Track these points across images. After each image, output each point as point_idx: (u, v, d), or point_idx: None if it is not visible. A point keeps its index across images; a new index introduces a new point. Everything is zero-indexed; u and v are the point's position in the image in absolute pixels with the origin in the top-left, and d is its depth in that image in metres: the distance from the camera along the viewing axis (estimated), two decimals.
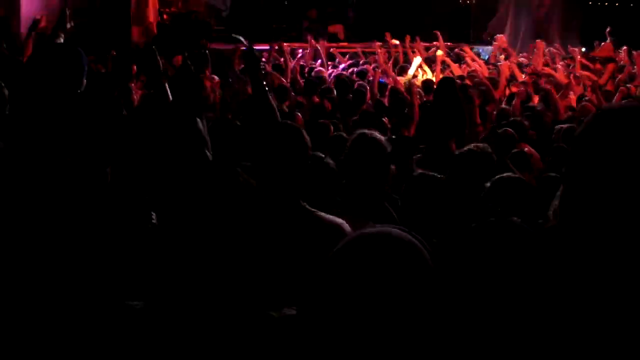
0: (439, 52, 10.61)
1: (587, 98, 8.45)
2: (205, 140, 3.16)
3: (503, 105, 7.74)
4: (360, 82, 8.37)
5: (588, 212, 1.57)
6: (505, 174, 3.47)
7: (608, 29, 12.44)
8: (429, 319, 1.40)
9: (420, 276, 1.40)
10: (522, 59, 12.60)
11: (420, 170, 3.72)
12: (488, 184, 3.37)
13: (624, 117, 1.59)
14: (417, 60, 10.33)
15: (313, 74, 9.69)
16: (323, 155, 3.55)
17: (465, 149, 4.03)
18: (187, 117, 3.11)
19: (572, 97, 8.89)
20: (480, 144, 4.27)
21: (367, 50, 12.06)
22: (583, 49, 13.63)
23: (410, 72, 9.93)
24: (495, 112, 7.35)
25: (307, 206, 2.81)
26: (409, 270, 1.39)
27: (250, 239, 1.99)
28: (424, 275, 1.41)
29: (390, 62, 10.57)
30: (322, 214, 2.79)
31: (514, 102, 7.69)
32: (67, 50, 3.34)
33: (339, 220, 2.74)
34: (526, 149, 5.44)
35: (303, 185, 2.90)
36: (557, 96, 8.24)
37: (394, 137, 5.10)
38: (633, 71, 10.72)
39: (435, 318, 1.42)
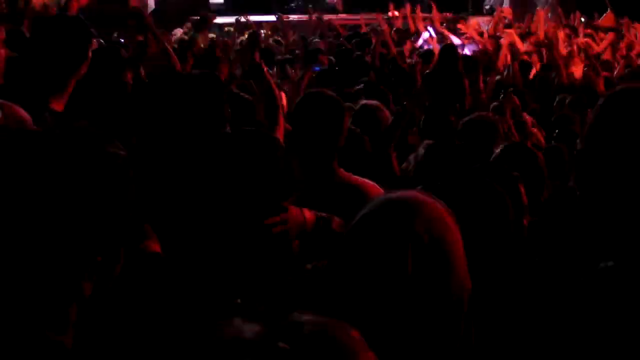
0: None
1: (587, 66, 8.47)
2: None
3: (498, 77, 7.75)
4: (358, 53, 8.39)
5: (606, 192, 1.56)
6: (512, 142, 3.52)
7: None
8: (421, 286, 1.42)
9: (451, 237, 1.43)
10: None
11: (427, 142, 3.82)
12: (497, 151, 3.42)
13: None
14: (425, 34, 10.37)
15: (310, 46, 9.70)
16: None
17: (469, 117, 4.08)
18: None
19: (575, 68, 8.89)
20: (484, 113, 4.34)
21: (369, 21, 12.01)
22: (582, 19, 13.60)
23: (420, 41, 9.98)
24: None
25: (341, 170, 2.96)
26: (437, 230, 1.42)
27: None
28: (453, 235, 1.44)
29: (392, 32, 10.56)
30: (355, 176, 2.95)
31: (514, 71, 7.70)
32: (69, 21, 3.36)
33: (370, 182, 2.89)
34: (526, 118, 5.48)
35: (337, 150, 3.01)
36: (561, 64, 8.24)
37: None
38: (634, 41, 10.70)
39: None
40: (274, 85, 3.80)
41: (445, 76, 5.37)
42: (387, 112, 4.10)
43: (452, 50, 5.79)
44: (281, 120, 3.61)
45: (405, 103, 4.09)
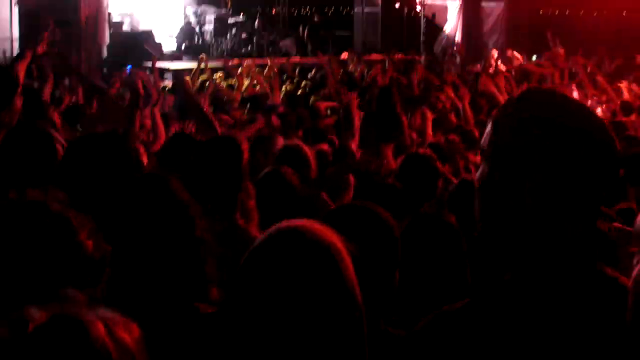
0: None
1: None
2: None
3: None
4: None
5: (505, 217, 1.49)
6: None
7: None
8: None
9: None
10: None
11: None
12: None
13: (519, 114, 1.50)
14: None
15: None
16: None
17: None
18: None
19: None
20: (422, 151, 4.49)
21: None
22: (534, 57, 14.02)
23: None
24: None
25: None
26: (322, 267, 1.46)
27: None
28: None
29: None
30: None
31: (464, 110, 7.87)
32: None
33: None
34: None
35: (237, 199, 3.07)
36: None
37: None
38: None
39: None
40: None
41: (383, 115, 5.53)
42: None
43: (390, 91, 5.95)
44: None
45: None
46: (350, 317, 1.47)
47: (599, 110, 9.00)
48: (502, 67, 11.54)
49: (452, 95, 8.63)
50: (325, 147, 5.22)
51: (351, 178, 4.06)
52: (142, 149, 4.27)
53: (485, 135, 1.55)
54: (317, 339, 1.44)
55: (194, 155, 3.32)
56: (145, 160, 4.26)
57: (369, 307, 1.52)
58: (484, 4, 18.35)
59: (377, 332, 1.88)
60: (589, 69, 11.11)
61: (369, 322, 1.52)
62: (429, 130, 6.86)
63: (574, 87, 10.18)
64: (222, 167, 3.10)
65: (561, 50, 12.32)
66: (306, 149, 3.89)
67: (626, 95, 9.96)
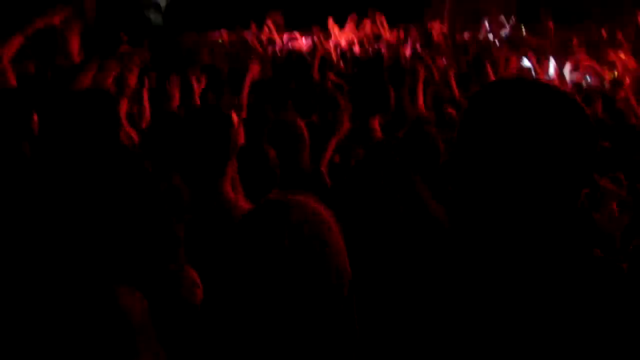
0: None
1: None
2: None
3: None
4: None
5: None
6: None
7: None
8: None
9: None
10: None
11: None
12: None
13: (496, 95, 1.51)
14: None
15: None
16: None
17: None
18: None
19: None
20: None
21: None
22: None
23: None
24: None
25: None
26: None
27: None
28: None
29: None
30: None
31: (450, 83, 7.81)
32: None
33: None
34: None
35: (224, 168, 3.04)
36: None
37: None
38: None
39: None
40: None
41: (370, 86, 5.49)
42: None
43: (379, 61, 5.90)
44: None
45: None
46: (337, 295, 1.47)
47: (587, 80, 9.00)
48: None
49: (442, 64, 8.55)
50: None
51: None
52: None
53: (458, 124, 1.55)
54: (302, 315, 1.43)
55: (183, 124, 3.31)
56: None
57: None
58: None
59: None
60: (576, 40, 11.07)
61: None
62: (421, 102, 6.83)
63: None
64: (210, 136, 3.07)
65: (550, 23, 12.30)
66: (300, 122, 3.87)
67: (619, 68, 9.92)
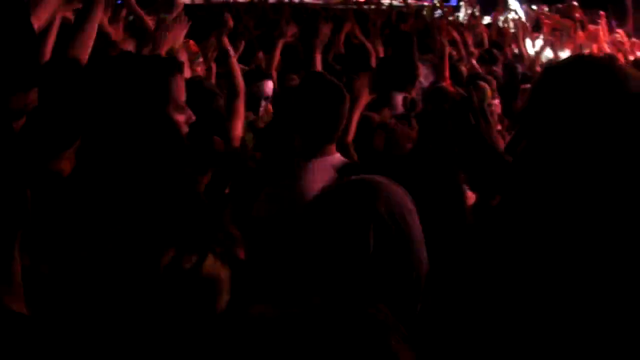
0: None
1: None
2: None
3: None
4: None
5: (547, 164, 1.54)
6: None
7: None
8: None
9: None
10: None
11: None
12: None
13: (568, 69, 1.58)
14: None
15: None
16: None
17: None
18: None
19: None
20: None
21: None
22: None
23: None
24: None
25: None
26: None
27: None
28: None
29: None
30: None
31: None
32: None
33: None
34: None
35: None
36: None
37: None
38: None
39: None
40: (238, 74, 3.84)
41: (399, 61, 5.64)
42: None
43: (409, 37, 6.05)
44: (241, 110, 3.74)
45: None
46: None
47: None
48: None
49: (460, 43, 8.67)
50: None
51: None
52: None
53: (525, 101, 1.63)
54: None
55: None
56: None
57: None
58: None
59: None
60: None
61: None
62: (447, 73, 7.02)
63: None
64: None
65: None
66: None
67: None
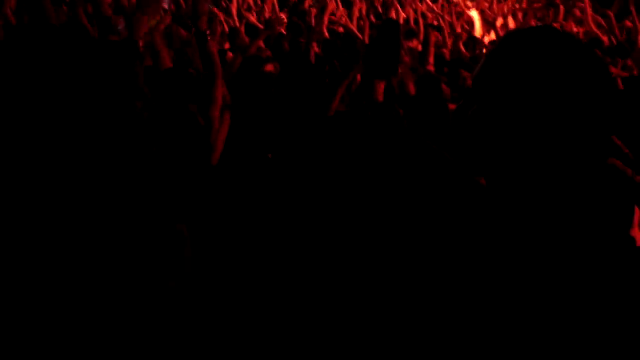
0: None
1: None
2: None
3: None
4: None
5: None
6: None
7: None
8: None
9: None
10: None
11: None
12: None
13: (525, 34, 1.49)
14: None
15: None
16: None
17: None
18: None
19: None
20: None
21: None
22: None
23: None
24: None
25: None
26: None
27: None
28: None
29: None
30: None
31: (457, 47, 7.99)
32: None
33: None
34: None
35: None
36: None
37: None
38: None
39: None
40: (216, 59, 3.85)
41: (385, 47, 5.60)
42: None
43: (394, 23, 6.01)
44: (218, 96, 3.74)
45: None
46: None
47: None
48: None
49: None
50: None
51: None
52: None
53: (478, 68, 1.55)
54: None
55: None
56: None
57: None
58: None
59: None
60: None
61: None
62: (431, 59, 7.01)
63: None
64: None
65: None
66: None
67: None
